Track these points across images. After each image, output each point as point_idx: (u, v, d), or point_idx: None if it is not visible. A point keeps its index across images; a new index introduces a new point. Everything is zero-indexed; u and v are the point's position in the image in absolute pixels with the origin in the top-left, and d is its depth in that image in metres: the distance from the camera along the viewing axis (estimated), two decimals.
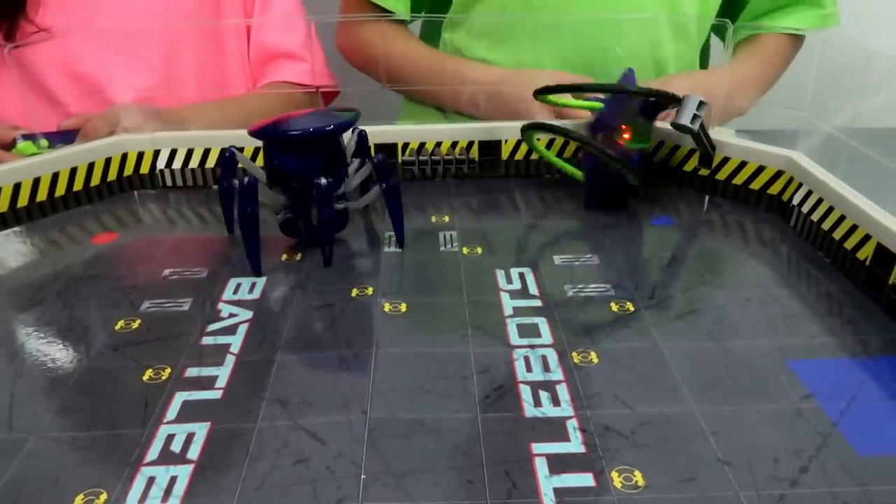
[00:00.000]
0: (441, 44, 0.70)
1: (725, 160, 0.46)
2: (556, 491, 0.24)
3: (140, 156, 0.50)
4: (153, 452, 0.26)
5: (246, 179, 0.36)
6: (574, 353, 0.31)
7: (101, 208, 0.47)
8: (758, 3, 0.70)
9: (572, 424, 0.27)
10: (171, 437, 0.27)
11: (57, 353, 0.32)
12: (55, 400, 0.29)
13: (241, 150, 0.41)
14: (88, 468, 0.25)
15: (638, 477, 0.24)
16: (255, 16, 0.69)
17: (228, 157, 0.40)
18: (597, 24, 0.63)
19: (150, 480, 0.25)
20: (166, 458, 0.26)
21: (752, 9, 0.70)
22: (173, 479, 0.25)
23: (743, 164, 0.46)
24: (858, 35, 0.83)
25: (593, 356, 0.31)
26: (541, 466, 0.25)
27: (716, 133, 0.47)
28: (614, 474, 0.25)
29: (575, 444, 0.26)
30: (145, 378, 0.30)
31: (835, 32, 0.69)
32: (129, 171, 0.50)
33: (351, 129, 0.41)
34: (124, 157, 0.49)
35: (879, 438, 0.26)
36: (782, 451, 0.26)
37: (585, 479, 0.24)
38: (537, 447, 0.26)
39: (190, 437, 0.27)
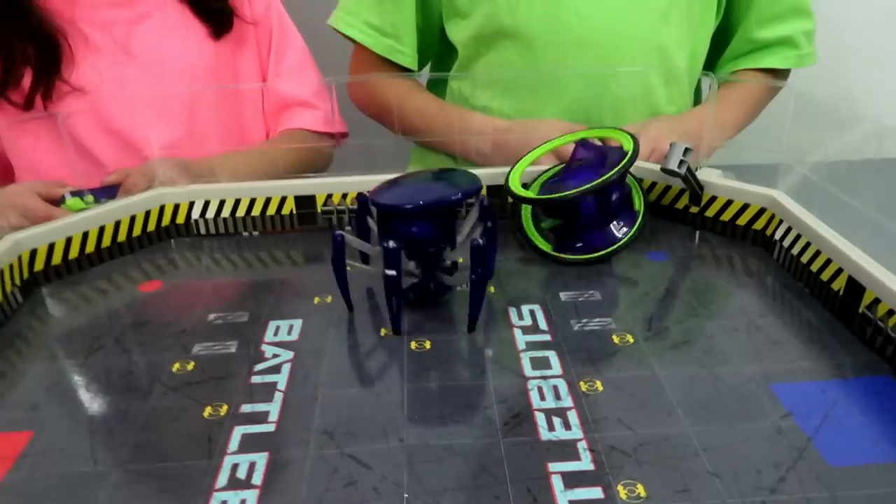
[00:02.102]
0: (448, 92, 0.76)
1: (713, 199, 0.51)
2: (571, 503, 0.28)
3: (176, 207, 0.54)
4: (222, 480, 0.30)
5: (390, 244, 0.37)
6: (581, 383, 0.35)
7: (142, 257, 0.52)
8: (739, 45, 0.75)
9: (582, 445, 0.31)
10: (235, 466, 0.31)
11: (124, 394, 0.36)
12: (129, 437, 0.33)
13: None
14: (167, 495, 0.29)
15: (640, 489, 0.29)
16: (269, 66, 0.75)
17: (340, 242, 0.40)
18: (593, 75, 0.69)
19: None
20: (234, 484, 0.30)
21: (734, 49, 0.75)
22: (243, 503, 0.29)
23: (729, 202, 0.50)
24: (836, 67, 0.89)
25: (598, 385, 0.35)
26: (557, 483, 0.29)
27: (703, 174, 0.51)
28: (620, 487, 0.29)
29: (585, 463, 0.30)
30: (205, 415, 0.34)
31: (812, 70, 0.74)
32: (166, 221, 0.54)
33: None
34: (161, 208, 0.54)
35: (849, 451, 0.30)
36: (764, 464, 0.30)
37: (595, 493, 0.28)
38: (553, 466, 0.30)
39: (252, 466, 0.31)
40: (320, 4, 0.79)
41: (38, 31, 0.62)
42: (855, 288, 0.39)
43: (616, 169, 0.44)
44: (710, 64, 0.78)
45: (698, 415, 0.33)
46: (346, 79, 0.75)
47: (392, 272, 0.38)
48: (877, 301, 0.37)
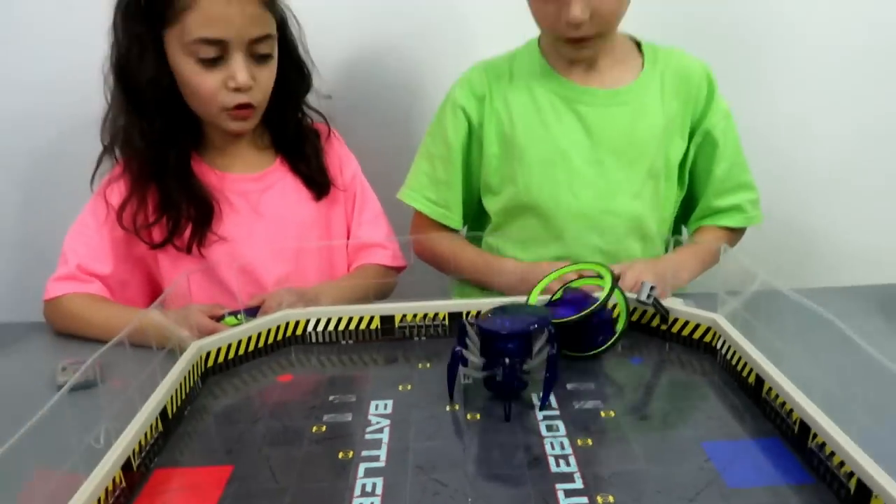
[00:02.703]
0: (483, 244, 1.03)
1: (676, 320, 0.72)
2: None
3: (297, 323, 0.77)
4: (357, 493, 0.50)
5: (507, 360, 0.58)
6: (578, 440, 0.55)
7: (275, 358, 0.74)
8: (701, 211, 1.00)
9: (577, 475, 0.51)
10: (364, 486, 0.51)
11: (283, 445, 0.57)
12: (293, 470, 0.53)
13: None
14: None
15: (611, 498, 0.48)
16: (353, 218, 1.00)
17: (458, 354, 0.60)
18: (591, 233, 0.94)
19: None
20: (364, 495, 0.50)
21: (698, 213, 1.01)
22: None
23: (686, 322, 0.71)
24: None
25: (589, 441, 0.55)
26: (561, 495, 0.48)
27: (669, 302, 0.73)
28: (599, 497, 0.48)
29: (578, 484, 0.50)
30: (339, 457, 0.55)
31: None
32: (289, 333, 0.77)
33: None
34: (287, 324, 0.77)
35: (745, 479, 0.49)
36: (689, 486, 0.49)
37: (584, 500, 0.48)
38: (558, 486, 0.49)
39: (374, 486, 0.51)
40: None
41: (198, 197, 0.89)
42: (761, 383, 0.59)
43: (600, 301, 0.66)
44: (685, 220, 1.04)
45: (652, 459, 0.52)
46: (406, 238, 1.01)
47: (458, 348, 0.60)
48: (771, 391, 0.57)
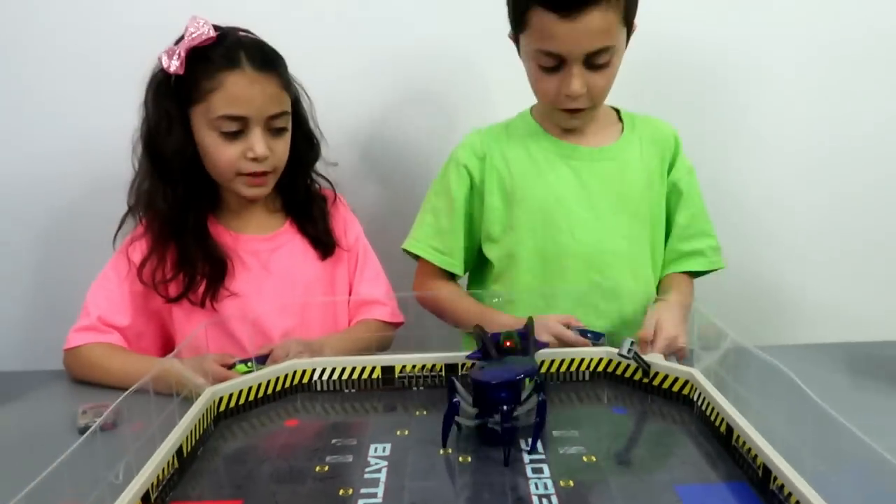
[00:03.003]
0: (488, 291, 1.10)
1: (656, 374, 0.77)
2: None
3: (303, 372, 0.82)
4: None
5: (505, 407, 0.62)
6: (561, 481, 0.60)
7: (283, 404, 0.79)
8: (668, 254, 1.09)
9: None
10: None
11: (289, 483, 0.61)
12: (300, 503, 0.58)
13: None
14: None
15: None
16: (355, 276, 1.07)
17: (455, 404, 0.65)
18: (589, 271, 1.02)
19: None
20: None
21: (667, 255, 1.09)
22: None
23: (666, 376, 0.76)
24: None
25: (571, 483, 0.60)
26: None
27: (650, 357, 0.78)
28: None
29: None
30: (340, 493, 0.59)
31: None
32: (296, 381, 0.82)
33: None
34: (294, 373, 0.82)
35: None
36: None
37: None
38: None
39: None
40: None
41: (213, 256, 0.96)
42: (731, 431, 0.64)
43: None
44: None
45: (629, 499, 0.57)
46: (407, 294, 1.07)
47: (456, 399, 0.65)
48: (739, 438, 0.62)
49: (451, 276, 1.10)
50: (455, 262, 1.08)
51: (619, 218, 1.04)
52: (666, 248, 1.09)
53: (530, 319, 0.78)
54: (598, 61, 0.94)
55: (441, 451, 0.66)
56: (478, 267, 1.13)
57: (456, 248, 1.07)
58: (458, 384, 0.69)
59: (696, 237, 1.08)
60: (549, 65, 0.95)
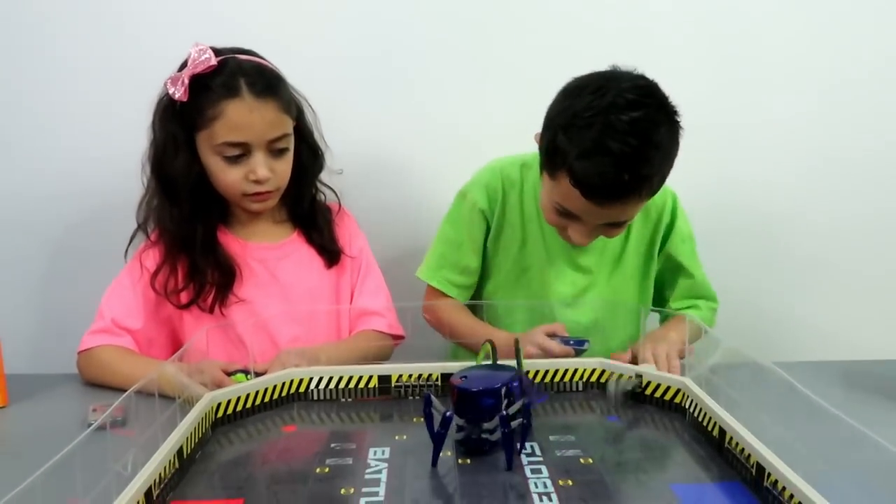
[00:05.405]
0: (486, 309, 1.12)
1: (649, 383, 0.79)
2: None
3: (300, 381, 0.83)
4: None
5: (446, 413, 0.63)
6: (559, 481, 0.61)
7: (280, 412, 0.79)
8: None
9: None
10: None
11: (292, 483, 0.62)
12: (302, 502, 0.58)
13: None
14: None
15: None
16: (357, 286, 1.09)
17: (448, 418, 0.64)
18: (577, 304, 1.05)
19: None
20: None
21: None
22: None
23: (658, 385, 0.78)
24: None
25: (569, 482, 0.61)
26: None
27: (642, 367, 0.80)
28: None
29: None
30: (342, 493, 0.60)
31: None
32: (293, 389, 0.82)
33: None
34: (291, 381, 0.82)
35: None
36: None
37: None
38: None
39: None
40: None
41: (222, 264, 0.99)
42: (724, 434, 0.65)
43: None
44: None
45: (627, 497, 0.58)
46: (408, 304, 1.09)
47: (449, 413, 0.65)
48: (732, 440, 0.63)
49: None
50: (468, 295, 1.12)
51: (605, 290, 1.08)
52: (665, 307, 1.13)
53: (517, 341, 0.77)
54: None
55: (441, 454, 0.67)
56: (479, 287, 1.15)
57: (469, 284, 1.11)
58: (434, 399, 0.66)
59: (693, 299, 1.12)
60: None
